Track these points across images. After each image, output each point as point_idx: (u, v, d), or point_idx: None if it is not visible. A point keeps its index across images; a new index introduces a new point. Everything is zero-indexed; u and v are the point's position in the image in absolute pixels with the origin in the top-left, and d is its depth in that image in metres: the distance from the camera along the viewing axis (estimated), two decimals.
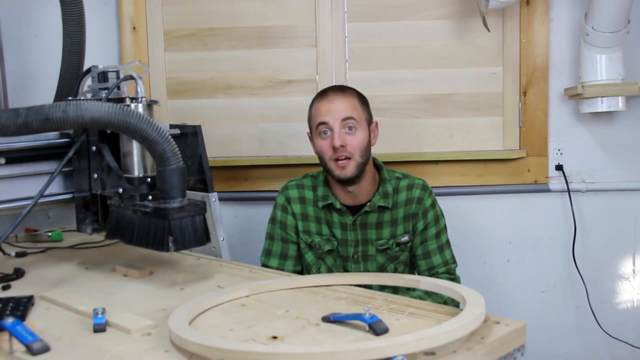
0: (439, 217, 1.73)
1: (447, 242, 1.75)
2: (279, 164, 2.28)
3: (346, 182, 1.66)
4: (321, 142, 1.66)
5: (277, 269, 1.73)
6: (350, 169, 1.63)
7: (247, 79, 2.34)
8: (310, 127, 1.73)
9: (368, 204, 1.69)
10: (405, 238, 1.71)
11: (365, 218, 1.71)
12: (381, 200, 1.69)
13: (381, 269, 1.72)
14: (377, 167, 1.76)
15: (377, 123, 1.74)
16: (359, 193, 1.70)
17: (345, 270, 1.74)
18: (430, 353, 0.92)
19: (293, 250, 1.77)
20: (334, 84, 2.22)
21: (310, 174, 1.79)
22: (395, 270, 1.73)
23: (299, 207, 1.75)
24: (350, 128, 1.63)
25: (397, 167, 1.86)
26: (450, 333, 0.93)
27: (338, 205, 1.71)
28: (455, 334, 0.93)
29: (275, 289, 1.28)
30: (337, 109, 1.63)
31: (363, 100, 1.70)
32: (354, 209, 1.71)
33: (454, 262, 1.75)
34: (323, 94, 1.69)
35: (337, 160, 1.63)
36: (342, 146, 1.61)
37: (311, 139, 1.73)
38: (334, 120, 1.63)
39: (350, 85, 2.21)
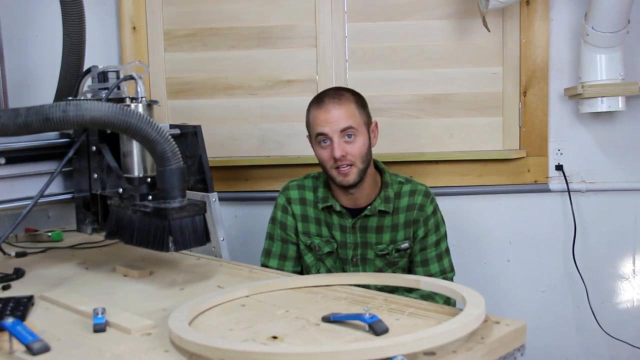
0: (439, 224, 1.72)
1: (447, 250, 1.74)
2: (279, 164, 2.28)
3: (348, 187, 1.65)
4: (321, 151, 1.65)
5: (277, 269, 1.73)
6: (352, 176, 1.62)
7: (247, 79, 2.33)
8: (308, 132, 1.71)
9: (369, 207, 1.69)
10: (406, 244, 1.70)
11: (365, 221, 1.70)
12: (382, 205, 1.68)
13: (379, 273, 1.72)
14: (379, 170, 1.74)
15: (376, 123, 1.73)
16: (359, 196, 1.70)
17: (345, 272, 1.73)
18: (430, 353, 0.92)
19: (293, 251, 1.77)
20: (334, 84, 2.22)
21: (312, 175, 1.79)
22: None
23: (299, 208, 1.75)
24: (349, 136, 1.62)
25: (397, 167, 1.86)
26: (450, 333, 0.93)
27: (338, 208, 1.70)
28: (455, 334, 0.93)
29: (275, 289, 1.28)
30: (335, 119, 1.61)
31: (360, 102, 1.68)
32: (354, 212, 1.71)
33: (452, 270, 1.75)
34: (319, 101, 1.65)
35: (338, 168, 1.62)
36: (342, 156, 1.61)
37: (311, 142, 1.72)
38: (333, 132, 1.61)
39: (350, 85, 2.21)
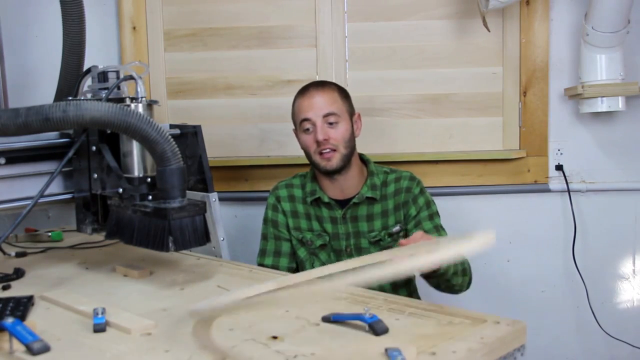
0: (430, 202, 1.74)
1: (441, 226, 1.74)
2: (279, 164, 2.28)
3: (332, 173, 1.69)
4: (305, 137, 1.71)
5: (272, 266, 1.75)
6: (335, 161, 1.67)
7: (247, 79, 2.33)
8: (294, 123, 1.77)
9: (356, 196, 1.72)
10: (397, 228, 1.72)
11: (355, 211, 1.73)
12: (369, 192, 1.72)
13: None
14: (364, 161, 1.79)
15: (359, 115, 1.78)
16: (346, 186, 1.73)
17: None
18: (430, 353, 0.92)
19: (287, 247, 1.78)
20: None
21: (300, 174, 1.84)
22: None
23: (289, 205, 1.78)
24: (332, 122, 1.67)
25: (397, 167, 1.86)
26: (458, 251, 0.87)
27: (326, 199, 1.73)
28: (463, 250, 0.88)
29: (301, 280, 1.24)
30: (318, 104, 1.67)
31: (343, 93, 1.74)
32: (343, 203, 1.74)
33: None
34: (304, 90, 1.73)
35: (321, 153, 1.67)
36: (325, 140, 1.66)
37: (296, 135, 1.77)
38: (316, 116, 1.67)
39: (350, 85, 2.21)
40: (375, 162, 1.81)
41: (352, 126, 1.73)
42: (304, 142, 1.72)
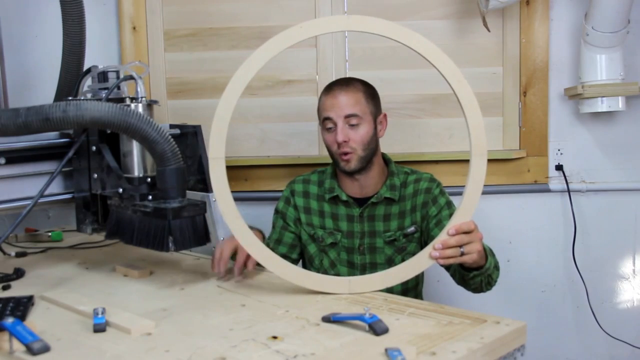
0: (450, 203, 1.73)
1: None
2: (279, 164, 2.28)
3: (351, 173, 1.70)
4: (327, 135, 1.71)
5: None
6: (353, 163, 1.67)
7: None
8: (319, 119, 1.76)
9: (375, 195, 1.72)
10: (412, 229, 1.72)
11: (372, 210, 1.73)
12: (388, 192, 1.71)
13: (389, 261, 1.73)
14: (386, 161, 1.79)
15: (385, 115, 1.76)
16: (366, 184, 1.73)
17: (350, 262, 1.74)
18: (430, 353, 0.92)
19: (289, 238, 1.79)
20: None
21: (319, 170, 1.83)
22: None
23: (302, 200, 1.78)
24: (353, 123, 1.66)
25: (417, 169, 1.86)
26: None
27: (344, 197, 1.73)
28: None
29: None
30: (341, 105, 1.66)
31: (369, 92, 1.72)
32: (361, 201, 1.74)
33: None
34: (329, 88, 1.72)
35: (341, 154, 1.67)
36: (344, 142, 1.65)
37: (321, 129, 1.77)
38: (337, 117, 1.66)
39: None
40: (396, 162, 1.80)
41: (376, 127, 1.71)
42: (326, 140, 1.72)
